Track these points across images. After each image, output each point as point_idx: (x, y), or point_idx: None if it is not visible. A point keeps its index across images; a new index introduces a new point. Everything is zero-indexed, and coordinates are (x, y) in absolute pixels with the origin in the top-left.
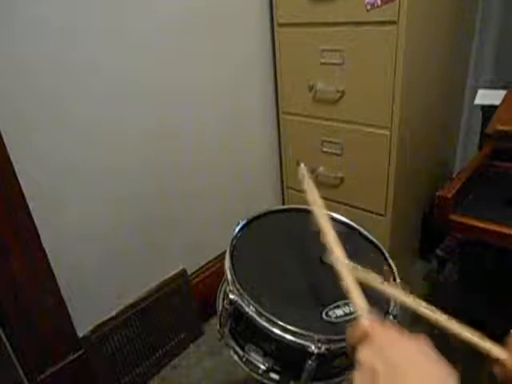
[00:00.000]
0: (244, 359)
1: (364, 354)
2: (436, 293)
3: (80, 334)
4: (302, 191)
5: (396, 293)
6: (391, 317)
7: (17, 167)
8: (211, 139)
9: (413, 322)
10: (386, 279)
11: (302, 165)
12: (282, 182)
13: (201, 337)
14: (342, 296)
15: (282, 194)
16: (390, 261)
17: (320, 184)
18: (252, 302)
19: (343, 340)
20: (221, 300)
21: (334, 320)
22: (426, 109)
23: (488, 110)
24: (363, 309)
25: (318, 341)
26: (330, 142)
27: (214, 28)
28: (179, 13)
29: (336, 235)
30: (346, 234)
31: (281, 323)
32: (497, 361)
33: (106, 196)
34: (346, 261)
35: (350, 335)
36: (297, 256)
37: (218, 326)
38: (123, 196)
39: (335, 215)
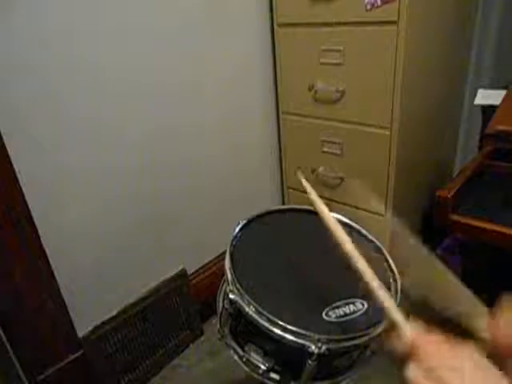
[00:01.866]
0: (244, 359)
1: (414, 375)
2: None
3: (80, 334)
4: (302, 191)
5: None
6: None
7: (17, 167)
8: (211, 139)
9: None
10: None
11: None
12: (282, 182)
13: (201, 337)
14: (342, 296)
15: (282, 193)
16: (391, 261)
17: (320, 184)
18: (252, 301)
19: (344, 340)
20: (221, 300)
21: (334, 320)
22: (426, 109)
23: (488, 110)
24: (402, 318)
25: (319, 341)
26: (330, 141)
27: (213, 28)
28: (179, 12)
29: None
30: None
31: (281, 323)
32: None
33: (106, 196)
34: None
35: (394, 349)
36: (297, 256)
37: (218, 326)
38: (123, 196)
39: (335, 215)
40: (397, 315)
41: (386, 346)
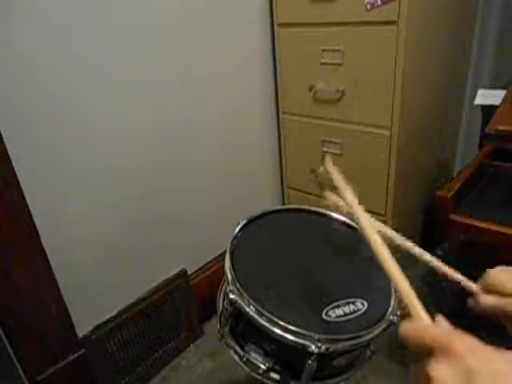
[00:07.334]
0: (244, 359)
1: (441, 374)
2: (436, 293)
3: (80, 334)
4: (302, 191)
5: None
6: (393, 317)
7: (17, 167)
8: (211, 139)
9: None
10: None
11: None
12: (281, 182)
13: (201, 337)
14: (342, 295)
15: (282, 194)
16: None
17: (320, 184)
18: (252, 301)
19: (343, 340)
20: (221, 300)
21: (334, 320)
22: (426, 109)
23: (488, 110)
24: (421, 311)
25: (318, 340)
26: (330, 141)
27: (213, 29)
28: (179, 12)
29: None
30: (346, 234)
31: (281, 323)
32: (470, 294)
33: (107, 196)
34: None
35: (416, 341)
36: (297, 256)
37: (218, 326)
38: (124, 196)
39: (335, 215)
40: (415, 304)
41: (404, 336)
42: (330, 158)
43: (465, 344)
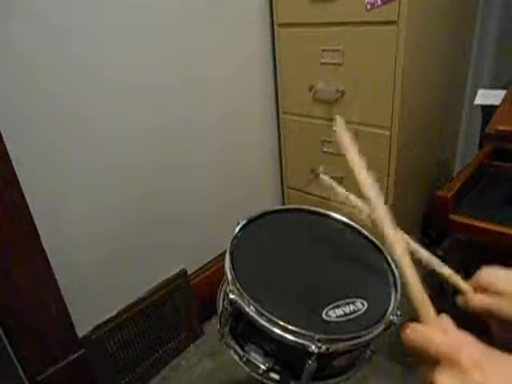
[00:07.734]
0: (244, 359)
1: None
2: (436, 293)
3: (80, 334)
4: (302, 191)
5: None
6: (393, 317)
7: (17, 167)
8: (211, 139)
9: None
10: None
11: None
12: (281, 182)
13: (201, 337)
14: (342, 296)
15: (282, 193)
16: (391, 261)
17: (320, 184)
18: (252, 301)
19: (343, 340)
20: (221, 300)
21: (334, 320)
22: (426, 109)
23: (488, 110)
24: (430, 311)
25: (318, 340)
26: (330, 142)
27: (213, 29)
28: (179, 12)
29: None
30: (346, 234)
31: (281, 323)
32: (461, 293)
33: (107, 196)
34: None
35: (417, 347)
36: (297, 255)
37: (218, 326)
38: (124, 196)
39: (335, 215)
40: (427, 307)
41: (408, 341)
42: (342, 119)
43: (473, 358)
